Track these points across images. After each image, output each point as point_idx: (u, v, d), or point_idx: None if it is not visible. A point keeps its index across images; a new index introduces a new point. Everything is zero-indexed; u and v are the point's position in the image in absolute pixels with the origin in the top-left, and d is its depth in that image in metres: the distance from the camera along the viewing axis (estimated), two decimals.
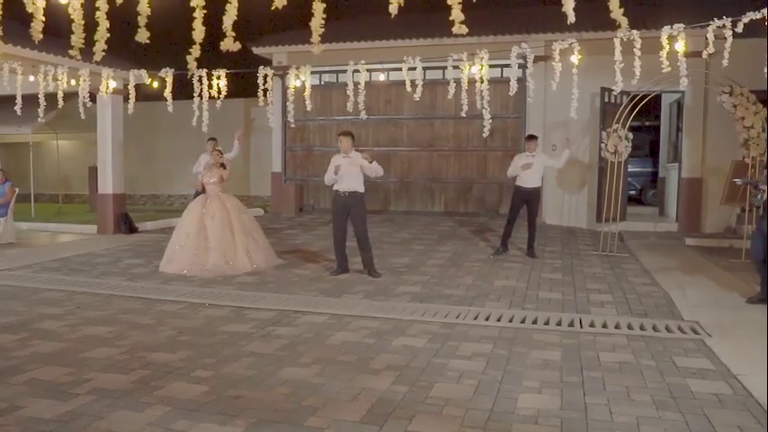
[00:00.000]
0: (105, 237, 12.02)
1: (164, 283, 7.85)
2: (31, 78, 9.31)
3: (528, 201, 9.41)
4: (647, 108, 11.40)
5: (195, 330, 5.71)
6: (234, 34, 4.52)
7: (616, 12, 4.07)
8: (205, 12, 4.82)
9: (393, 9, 4.21)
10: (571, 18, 3.95)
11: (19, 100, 9.48)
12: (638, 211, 14.31)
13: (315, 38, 4.49)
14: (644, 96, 9.94)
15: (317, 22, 4.36)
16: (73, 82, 9.29)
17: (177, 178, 17.26)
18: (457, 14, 4.01)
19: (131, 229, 12.37)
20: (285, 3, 4.06)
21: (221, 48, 4.56)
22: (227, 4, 4.39)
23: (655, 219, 13.72)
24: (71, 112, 9.69)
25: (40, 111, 9.45)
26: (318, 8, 4.31)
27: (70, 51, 4.82)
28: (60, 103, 9.40)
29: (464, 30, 4.09)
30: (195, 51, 4.86)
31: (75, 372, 4.56)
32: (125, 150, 12.95)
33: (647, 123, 16.44)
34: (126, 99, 9.64)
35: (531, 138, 9.65)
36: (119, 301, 6.88)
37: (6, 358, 4.88)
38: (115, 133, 12.40)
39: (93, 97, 10.96)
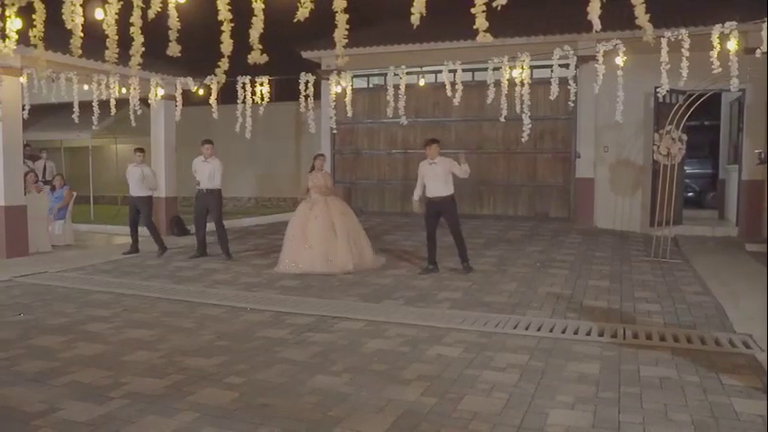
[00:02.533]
0: None
1: (209, 286, 7.99)
2: (86, 87, 9.66)
3: (440, 211, 8.54)
4: (706, 107, 10.97)
5: (233, 335, 5.78)
6: (261, 47, 4.55)
7: (641, 18, 3.88)
8: (256, 16, 4.83)
9: (415, 20, 4.16)
10: (597, 26, 3.80)
11: (76, 107, 9.85)
12: (696, 215, 13.76)
13: (339, 49, 4.46)
14: (700, 95, 9.56)
15: (340, 34, 4.33)
16: (124, 90, 9.60)
17: (230, 181, 17.60)
18: (481, 23, 3.91)
19: (183, 232, 12.65)
20: (307, 15, 4.05)
21: (249, 61, 4.60)
22: (254, 18, 4.41)
23: (713, 223, 13.18)
24: (129, 117, 10.04)
25: (95, 118, 9.80)
26: (341, 19, 4.27)
27: (105, 65, 4.97)
28: (113, 110, 9.74)
29: (489, 38, 3.99)
30: (224, 64, 4.92)
31: (113, 375, 4.68)
32: (179, 153, 13.26)
33: (706, 123, 15.80)
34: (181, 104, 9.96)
35: (430, 143, 8.57)
36: (163, 304, 7.04)
37: (52, 360, 5.05)
38: (167, 138, 12.75)
39: (147, 103, 11.29)
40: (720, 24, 6.36)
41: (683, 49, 6.43)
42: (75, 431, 3.73)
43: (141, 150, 10.34)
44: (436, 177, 8.43)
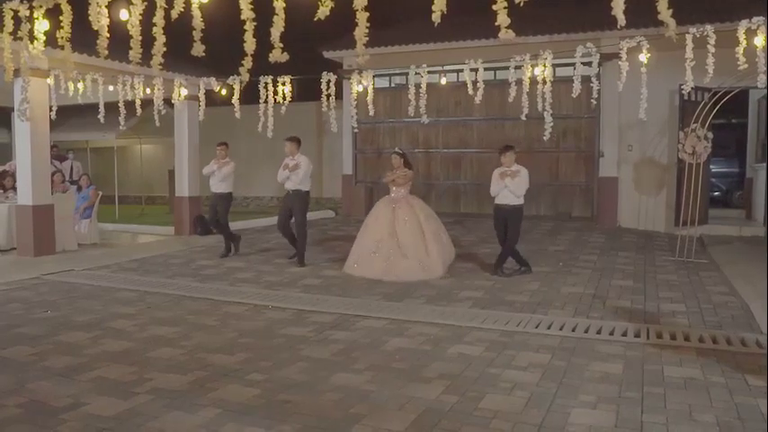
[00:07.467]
0: (181, 238, 12.48)
1: (231, 284, 8.06)
2: (111, 88, 9.79)
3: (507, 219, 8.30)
4: (732, 105, 10.80)
5: (256, 333, 5.83)
6: (281, 45, 4.57)
7: (664, 13, 3.83)
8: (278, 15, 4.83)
9: (436, 18, 4.15)
10: (621, 22, 3.76)
11: (102, 108, 9.99)
12: (723, 214, 13.55)
13: (359, 48, 4.47)
14: (726, 93, 9.41)
15: (360, 32, 4.34)
16: (148, 90, 9.71)
17: (253, 180, 17.75)
18: (503, 20, 3.89)
19: (206, 231, 12.74)
20: (328, 13, 4.07)
21: (270, 59, 4.62)
22: (275, 16, 4.44)
23: (740, 222, 12.97)
24: (153, 118, 10.13)
25: (121, 119, 9.93)
26: (362, 17, 4.29)
27: (130, 66, 5.05)
28: (138, 110, 9.87)
29: (511, 35, 3.96)
30: (248, 62, 4.96)
31: (138, 371, 4.75)
32: (202, 153, 13.36)
33: (732, 121, 15.56)
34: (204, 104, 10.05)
35: (506, 149, 8.34)
36: (187, 302, 7.11)
37: (78, 355, 5.14)
38: (191, 138, 12.87)
39: (171, 103, 11.42)
40: (747, 20, 6.25)
41: (708, 46, 6.32)
42: (101, 425, 3.79)
43: (224, 144, 9.99)
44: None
